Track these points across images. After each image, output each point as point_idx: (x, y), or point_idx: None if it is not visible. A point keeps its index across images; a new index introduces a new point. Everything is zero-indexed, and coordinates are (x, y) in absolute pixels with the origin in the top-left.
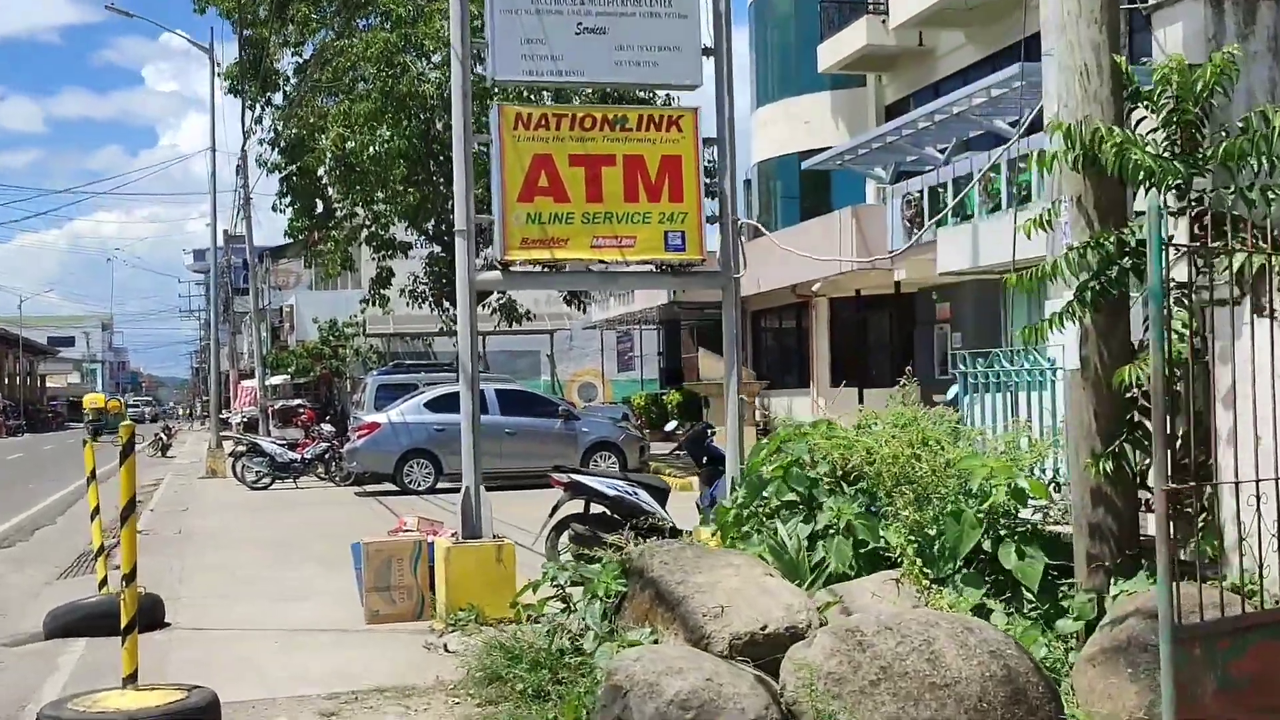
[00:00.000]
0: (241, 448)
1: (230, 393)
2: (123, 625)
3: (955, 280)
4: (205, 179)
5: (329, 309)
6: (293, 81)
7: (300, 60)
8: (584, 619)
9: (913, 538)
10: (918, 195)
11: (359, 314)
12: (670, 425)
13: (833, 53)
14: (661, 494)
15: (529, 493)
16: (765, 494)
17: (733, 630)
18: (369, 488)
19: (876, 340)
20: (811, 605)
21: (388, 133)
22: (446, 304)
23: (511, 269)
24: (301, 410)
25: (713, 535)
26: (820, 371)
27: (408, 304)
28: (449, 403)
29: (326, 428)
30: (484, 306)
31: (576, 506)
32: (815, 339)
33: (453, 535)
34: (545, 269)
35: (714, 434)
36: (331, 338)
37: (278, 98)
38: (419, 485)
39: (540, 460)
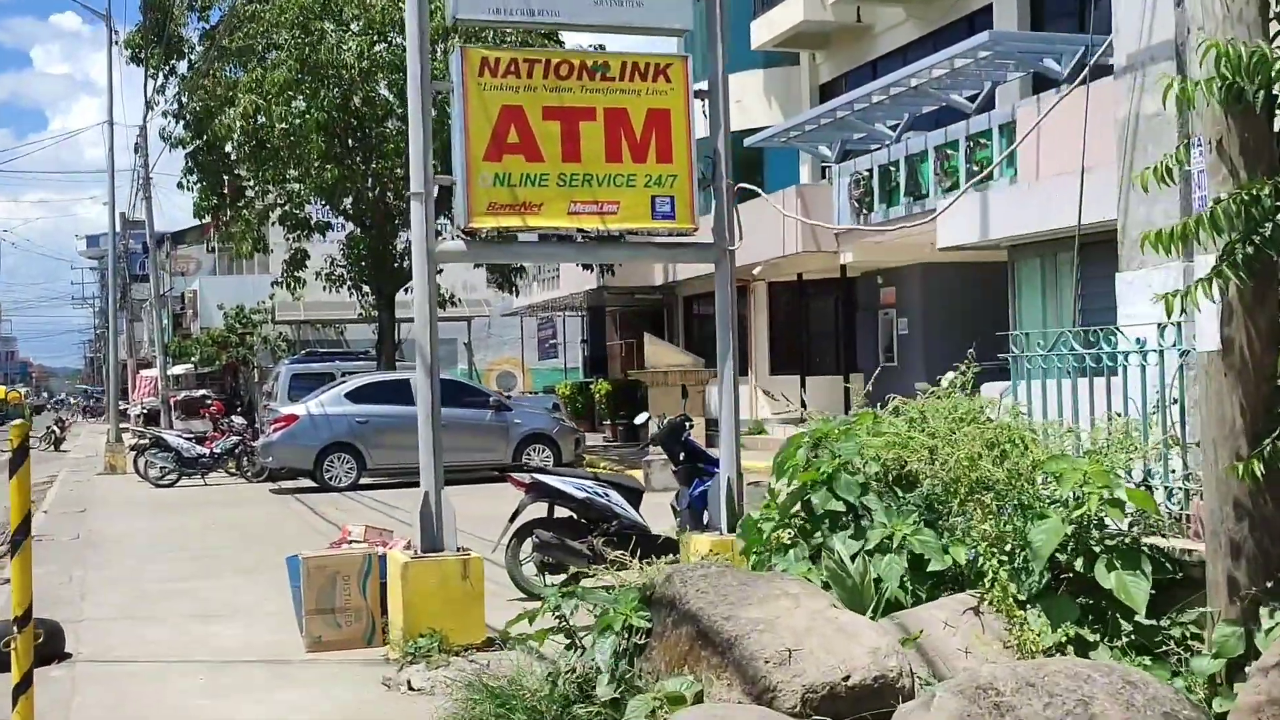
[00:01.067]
0: (144, 441)
1: (129, 383)
2: (14, 683)
3: (901, 264)
4: (97, 162)
5: (235, 294)
6: (199, 49)
7: (208, 26)
8: (593, 659)
9: (998, 555)
10: (866, 174)
11: (268, 299)
12: (641, 417)
13: (767, 29)
14: (634, 495)
15: (461, 489)
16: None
17: (806, 681)
18: (285, 484)
19: (819, 327)
20: (898, 647)
21: (303, 104)
22: (365, 288)
23: (478, 237)
24: (208, 401)
25: (713, 549)
26: (759, 359)
27: (324, 288)
28: (373, 393)
29: (238, 420)
30: (405, 291)
31: (539, 511)
32: (754, 325)
33: (407, 547)
34: (513, 239)
35: (692, 427)
36: (238, 325)
37: (183, 66)
38: (340, 481)
39: (471, 454)
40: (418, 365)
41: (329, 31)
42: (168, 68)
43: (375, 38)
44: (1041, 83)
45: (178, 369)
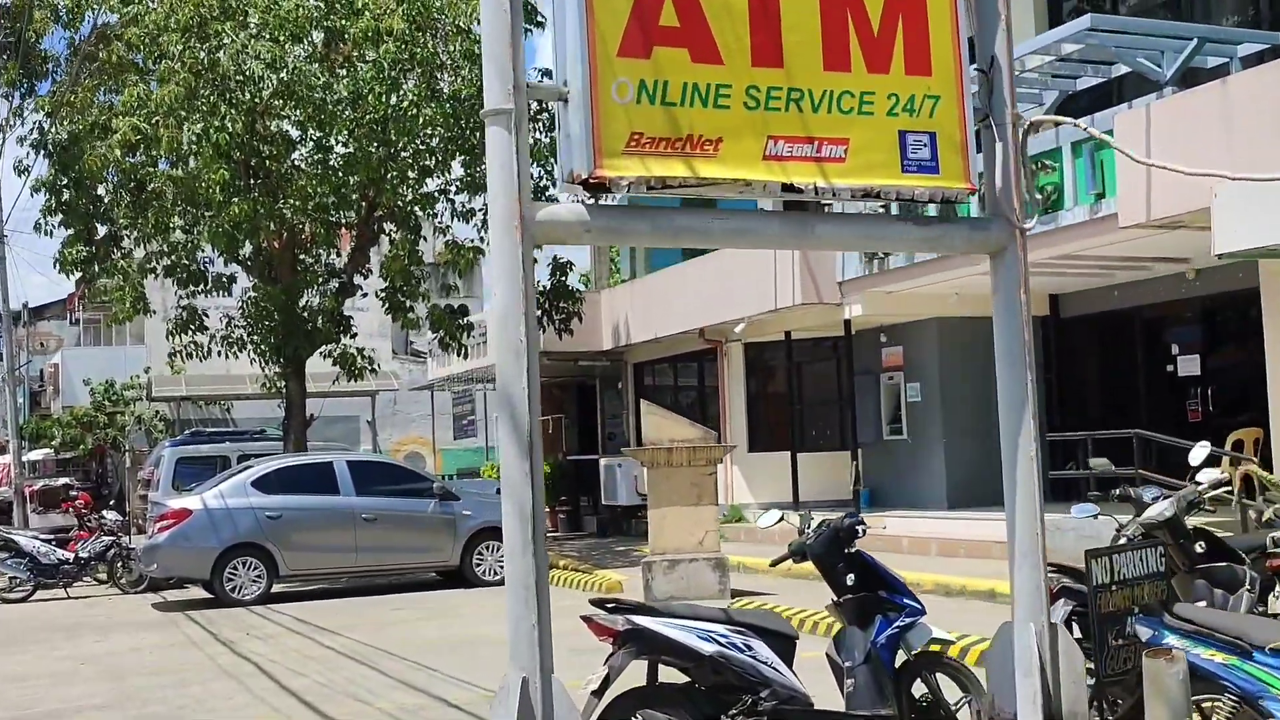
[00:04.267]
0: None
1: None
2: None
3: (911, 318)
4: None
5: (104, 369)
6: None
7: (78, 38)
8: None
9: None
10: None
11: (143, 373)
12: (769, 518)
13: None
14: (785, 644)
15: (399, 602)
16: None
17: None
18: (172, 596)
19: (815, 395)
20: None
21: (199, 126)
22: (269, 353)
23: (611, 191)
24: (72, 492)
25: None
26: (734, 434)
27: (220, 353)
28: (287, 480)
29: (110, 515)
30: (322, 356)
31: (639, 673)
32: (727, 394)
33: None
34: (675, 206)
35: (864, 531)
36: (107, 402)
37: (45, 86)
38: (245, 593)
39: (408, 554)
40: (501, 428)
41: (231, 35)
42: (25, 86)
43: (288, 41)
44: (1100, 97)
45: (35, 454)
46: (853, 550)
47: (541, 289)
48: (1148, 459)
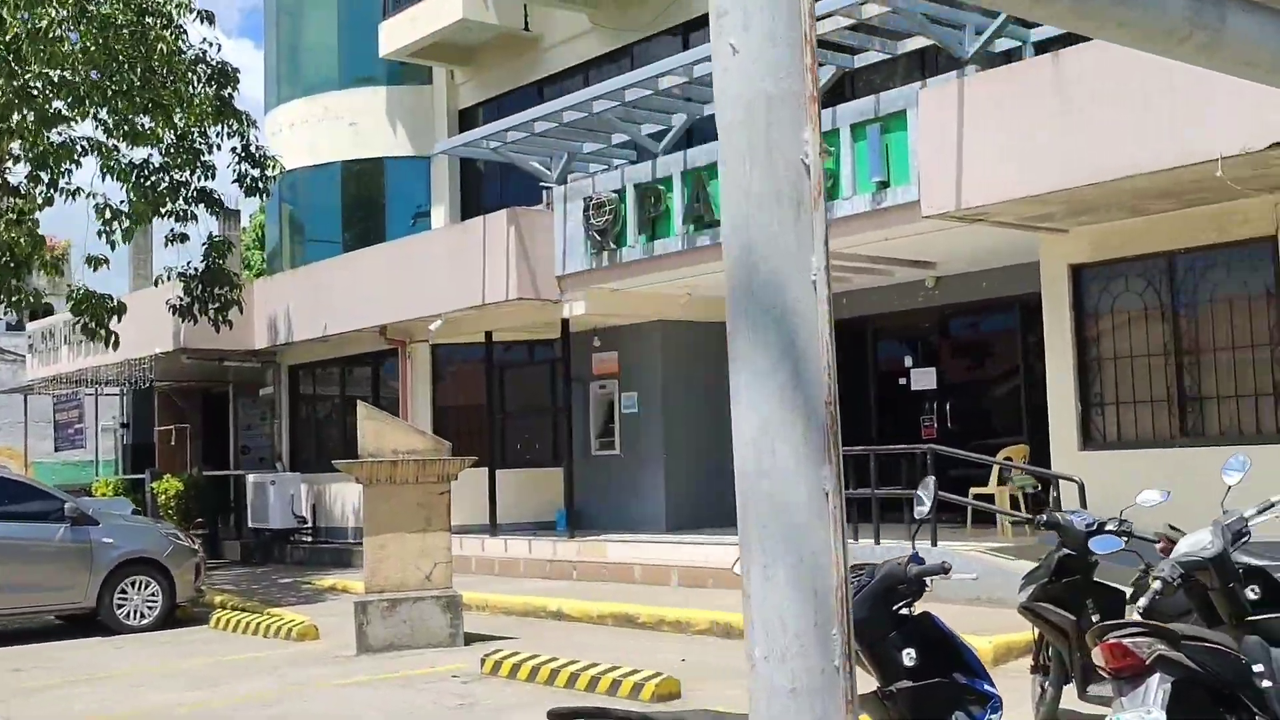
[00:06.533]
0: None
1: None
2: None
3: (631, 321)
4: None
5: None
6: None
7: None
8: None
9: None
10: (614, 195)
11: None
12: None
13: (406, 30)
14: None
15: (11, 656)
16: None
17: None
18: None
19: (521, 403)
20: None
21: None
22: None
23: None
24: None
25: None
26: None
27: None
28: None
29: None
30: None
31: None
32: (410, 403)
33: None
34: None
35: (931, 582)
36: None
37: None
38: None
39: (27, 593)
40: (771, 395)
41: None
42: None
43: None
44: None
45: None
46: (912, 612)
47: (193, 272)
48: (891, 476)
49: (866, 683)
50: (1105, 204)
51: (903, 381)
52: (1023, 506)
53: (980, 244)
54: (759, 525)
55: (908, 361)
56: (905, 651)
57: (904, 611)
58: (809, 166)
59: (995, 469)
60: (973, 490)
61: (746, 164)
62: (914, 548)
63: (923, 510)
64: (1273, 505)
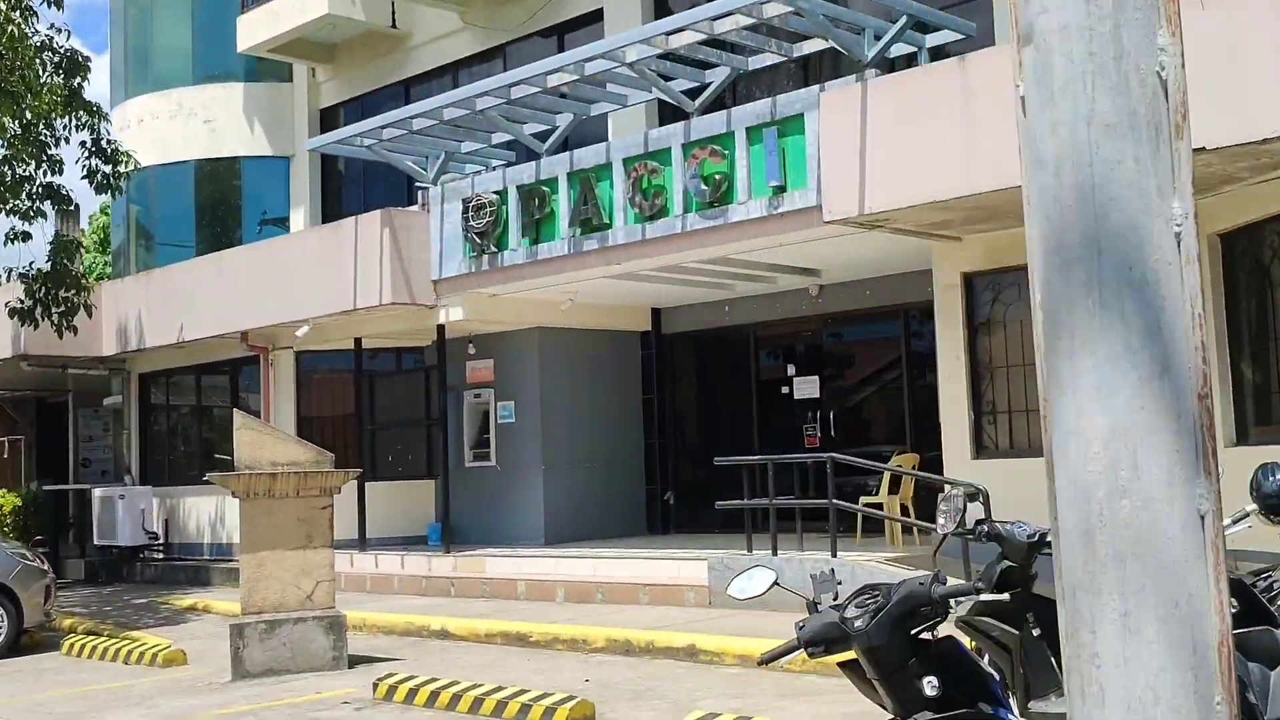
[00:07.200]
0: None
1: None
2: None
3: (509, 328)
4: None
5: None
6: None
7: None
8: None
9: None
10: (495, 196)
11: None
12: (756, 581)
13: (266, 25)
14: None
15: None
16: None
17: None
18: None
19: (392, 413)
20: None
21: None
22: None
23: None
24: None
25: None
26: None
27: None
28: None
29: None
30: None
31: None
32: (273, 412)
33: None
34: None
35: (958, 602)
36: None
37: None
38: None
39: None
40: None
41: None
42: None
43: None
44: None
45: None
46: (934, 636)
47: (37, 272)
48: (782, 486)
49: (881, 714)
50: (1005, 212)
51: (785, 390)
52: (913, 515)
53: (866, 253)
54: (1115, 561)
55: (790, 370)
56: (926, 680)
57: (924, 636)
58: (1166, 83)
59: (885, 478)
60: (862, 499)
61: (1086, 80)
62: (935, 564)
63: (948, 527)
64: (1246, 515)
